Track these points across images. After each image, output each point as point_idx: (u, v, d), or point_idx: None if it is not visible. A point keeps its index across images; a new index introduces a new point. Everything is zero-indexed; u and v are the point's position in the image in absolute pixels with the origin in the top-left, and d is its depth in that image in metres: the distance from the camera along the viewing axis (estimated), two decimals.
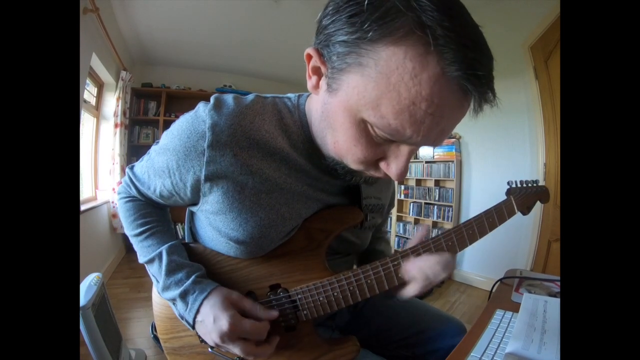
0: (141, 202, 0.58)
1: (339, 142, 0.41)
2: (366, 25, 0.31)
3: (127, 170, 0.59)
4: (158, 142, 0.53)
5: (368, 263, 0.51)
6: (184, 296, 0.50)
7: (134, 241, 0.57)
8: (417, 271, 0.48)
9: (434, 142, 0.37)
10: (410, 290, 0.49)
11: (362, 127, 0.37)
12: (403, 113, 0.32)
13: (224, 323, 0.46)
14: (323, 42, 0.36)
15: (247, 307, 0.50)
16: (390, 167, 0.40)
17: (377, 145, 0.39)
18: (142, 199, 0.58)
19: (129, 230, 0.57)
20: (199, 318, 0.49)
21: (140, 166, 0.56)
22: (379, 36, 0.31)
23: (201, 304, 0.49)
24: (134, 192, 0.57)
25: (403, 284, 0.50)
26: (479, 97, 0.33)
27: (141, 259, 0.55)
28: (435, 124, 0.33)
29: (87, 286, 1.09)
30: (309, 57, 0.40)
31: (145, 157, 0.55)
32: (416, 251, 0.50)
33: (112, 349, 1.11)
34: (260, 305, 0.51)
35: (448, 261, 0.47)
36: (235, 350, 0.48)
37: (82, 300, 1.01)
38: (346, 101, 0.36)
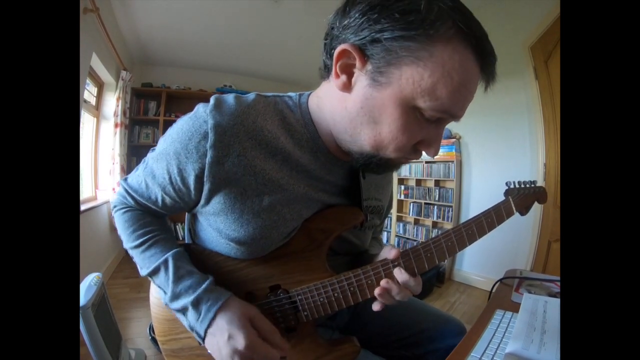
0: (139, 212, 0.56)
1: (382, 134, 0.42)
2: (426, 24, 0.36)
3: (121, 182, 0.56)
4: (154, 150, 0.51)
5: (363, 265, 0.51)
6: (196, 304, 0.48)
7: (134, 253, 0.54)
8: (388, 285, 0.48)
9: (462, 115, 0.43)
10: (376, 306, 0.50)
11: (412, 114, 0.41)
12: (455, 93, 0.39)
13: (239, 343, 0.45)
14: (367, 38, 0.38)
15: (264, 330, 0.48)
16: (431, 147, 0.45)
17: (419, 130, 0.43)
18: (140, 209, 0.56)
19: (129, 242, 0.54)
20: (210, 330, 0.47)
21: (136, 176, 0.53)
22: (438, 34, 0.37)
23: (215, 314, 0.47)
24: (130, 202, 0.55)
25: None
26: (494, 74, 0.41)
27: (143, 271, 0.53)
28: (470, 99, 0.41)
29: (87, 286, 1.08)
30: (343, 54, 0.41)
31: (141, 167, 0.53)
32: (416, 251, 0.50)
33: (112, 348, 1.11)
34: (277, 332, 0.49)
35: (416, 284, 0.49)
36: None
37: (82, 300, 1.01)
38: (399, 92, 0.39)
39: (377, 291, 0.48)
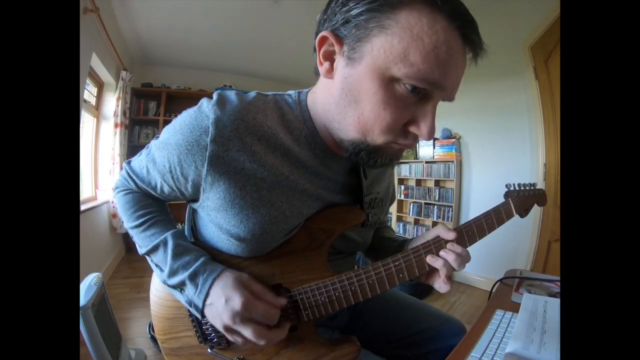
0: (140, 194, 0.58)
1: (365, 113, 0.42)
2: None
3: (124, 165, 0.58)
4: (158, 137, 0.52)
5: (377, 253, 0.57)
6: (193, 277, 0.49)
7: (134, 232, 0.56)
8: (440, 265, 0.50)
9: (452, 91, 0.42)
10: (439, 285, 0.52)
11: (391, 87, 0.40)
12: (429, 56, 0.37)
13: (236, 303, 0.46)
14: (339, 21, 0.41)
15: (256, 291, 0.49)
16: (420, 127, 0.42)
17: (404, 106, 0.41)
18: (140, 192, 0.58)
19: (129, 222, 0.56)
20: (208, 301, 0.48)
21: (139, 161, 0.55)
22: (400, 2, 0.37)
23: (212, 284, 0.48)
24: (132, 185, 0.57)
25: (428, 276, 0.53)
26: (477, 39, 0.40)
27: (142, 249, 0.54)
28: (454, 66, 0.39)
29: (87, 286, 1.09)
30: (322, 41, 0.43)
31: (144, 152, 0.54)
32: (417, 252, 0.51)
33: (112, 348, 1.11)
34: (269, 291, 0.50)
35: (465, 255, 0.51)
36: (246, 332, 0.47)
37: (82, 300, 1.01)
38: (372, 64, 0.39)
39: (439, 263, 0.50)
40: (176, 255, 0.51)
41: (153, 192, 0.55)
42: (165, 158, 0.48)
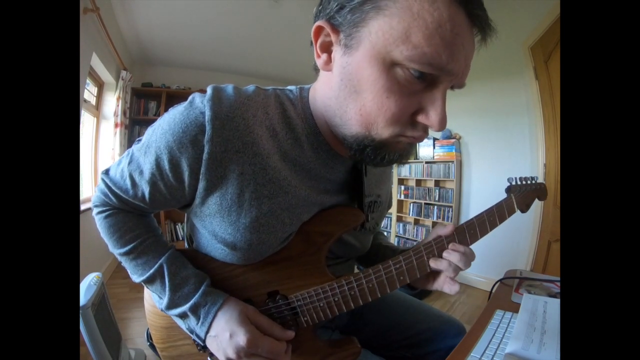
0: (124, 214, 0.52)
1: (367, 104, 0.38)
2: None
3: (101, 176, 0.50)
4: (140, 140, 0.47)
5: (373, 258, 0.55)
6: (194, 309, 0.47)
7: (123, 260, 0.52)
8: (445, 266, 0.49)
9: (462, 76, 0.38)
10: (448, 287, 0.50)
11: (393, 73, 0.36)
12: (434, 37, 0.34)
13: (241, 338, 0.44)
14: (334, 9, 0.38)
15: (263, 325, 0.48)
16: (430, 116, 0.38)
17: (409, 94, 0.37)
18: (123, 208, 0.52)
19: (115, 248, 0.51)
20: (212, 333, 0.47)
21: (120, 170, 0.48)
22: None
23: (214, 316, 0.47)
24: (113, 200, 0.50)
25: (433, 281, 0.52)
26: (483, 14, 0.37)
27: (136, 278, 0.51)
28: (461, 46, 0.35)
29: (87, 286, 1.09)
30: (318, 32, 0.40)
31: (125, 160, 0.47)
32: (418, 252, 0.50)
33: (111, 348, 1.11)
34: (277, 325, 0.49)
35: (469, 253, 0.49)
36: None
37: (82, 300, 1.01)
38: (371, 49, 0.36)
39: (443, 265, 0.49)
40: (175, 286, 0.48)
41: (140, 204, 0.49)
42: (153, 164, 0.43)
